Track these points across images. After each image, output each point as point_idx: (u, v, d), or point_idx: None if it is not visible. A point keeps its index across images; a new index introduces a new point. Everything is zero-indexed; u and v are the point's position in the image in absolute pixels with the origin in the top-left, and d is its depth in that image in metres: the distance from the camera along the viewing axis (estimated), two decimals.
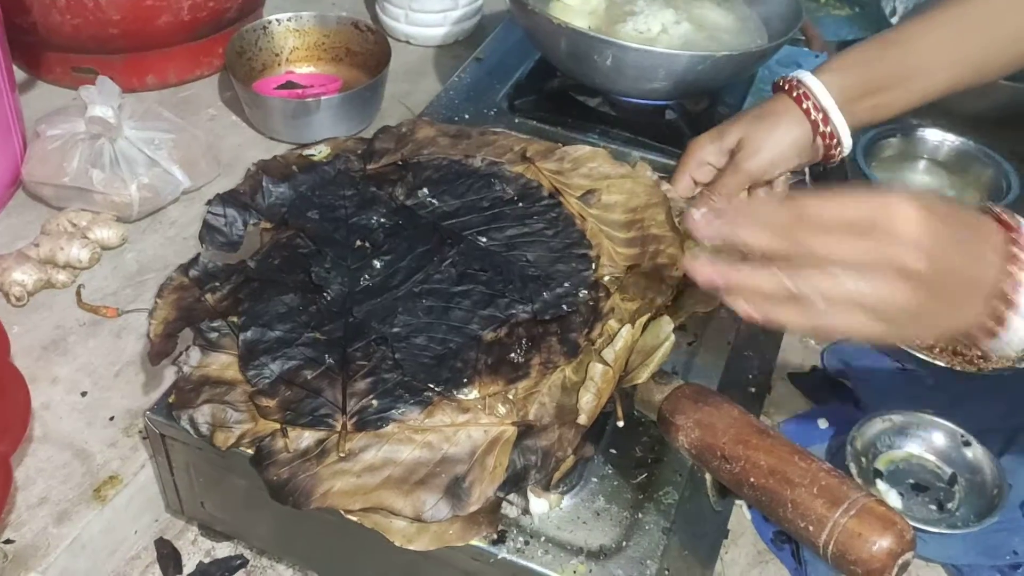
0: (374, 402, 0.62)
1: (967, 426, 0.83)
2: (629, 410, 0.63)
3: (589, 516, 0.63)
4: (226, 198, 0.75)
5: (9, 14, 0.99)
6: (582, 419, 0.60)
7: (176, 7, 1.07)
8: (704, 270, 0.50)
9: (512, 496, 0.61)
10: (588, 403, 0.60)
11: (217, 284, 0.70)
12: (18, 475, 0.72)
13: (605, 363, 0.61)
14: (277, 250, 0.72)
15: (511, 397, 0.62)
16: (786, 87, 0.78)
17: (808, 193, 0.50)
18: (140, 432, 0.76)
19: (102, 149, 0.93)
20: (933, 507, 0.80)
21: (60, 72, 1.13)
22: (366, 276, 0.69)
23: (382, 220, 0.74)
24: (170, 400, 0.65)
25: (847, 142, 0.79)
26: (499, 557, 0.61)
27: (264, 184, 0.76)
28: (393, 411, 0.61)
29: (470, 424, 0.61)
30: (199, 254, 0.73)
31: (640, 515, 0.63)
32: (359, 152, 0.82)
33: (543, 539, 0.61)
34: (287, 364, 0.64)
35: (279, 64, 1.17)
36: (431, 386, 0.62)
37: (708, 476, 0.59)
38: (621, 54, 0.88)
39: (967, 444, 0.82)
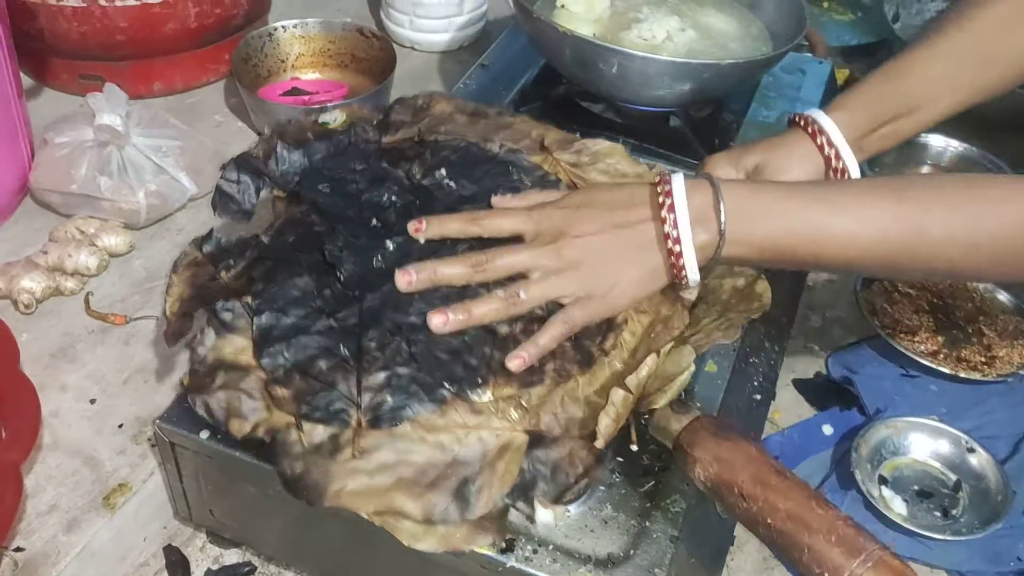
0: (388, 398, 0.61)
1: (972, 432, 0.84)
2: (642, 432, 0.63)
3: (597, 524, 0.63)
4: (240, 163, 0.74)
5: (16, 21, 0.99)
6: (599, 443, 0.60)
7: (183, 14, 1.08)
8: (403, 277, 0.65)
9: (519, 503, 0.61)
10: (607, 427, 0.60)
11: (231, 261, 0.69)
12: (28, 483, 0.73)
13: (627, 390, 0.62)
14: (290, 227, 0.71)
15: (524, 403, 0.62)
16: (800, 123, 0.80)
17: None
18: (149, 440, 0.76)
19: (110, 156, 0.93)
20: (938, 513, 0.80)
21: (67, 79, 1.13)
22: (379, 257, 0.68)
23: (395, 199, 0.72)
24: (183, 383, 0.65)
25: (856, 176, 0.80)
26: (508, 566, 0.61)
27: (278, 150, 0.75)
28: (407, 409, 0.61)
29: (482, 427, 0.60)
30: (212, 229, 0.72)
31: (648, 523, 0.64)
32: (375, 122, 0.81)
33: (551, 547, 0.62)
34: (301, 353, 0.63)
35: (285, 71, 1.18)
36: (446, 384, 0.62)
37: None
38: (626, 62, 0.88)
39: (972, 451, 0.83)
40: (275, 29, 1.16)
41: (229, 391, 0.62)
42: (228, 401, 0.62)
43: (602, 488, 0.65)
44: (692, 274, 0.65)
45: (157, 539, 0.77)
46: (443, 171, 0.75)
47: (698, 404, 0.63)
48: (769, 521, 0.51)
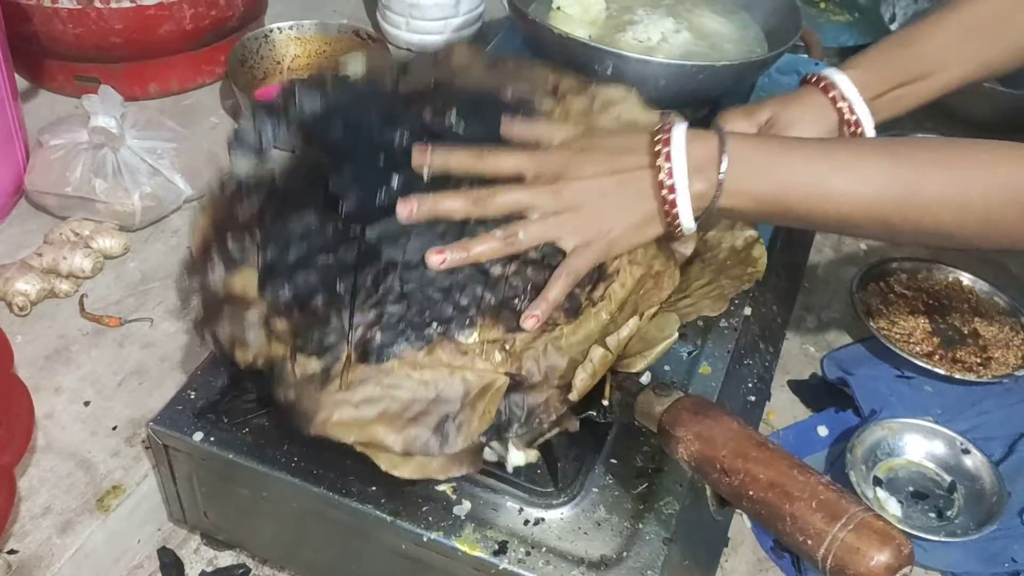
0: (378, 335, 0.62)
1: (967, 434, 0.84)
2: (627, 420, 0.63)
3: (590, 526, 0.63)
4: (258, 107, 0.75)
5: (11, 23, 0.99)
6: (573, 395, 0.61)
7: (178, 16, 1.08)
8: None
9: (493, 443, 0.63)
10: (582, 382, 0.61)
11: (248, 199, 0.70)
12: (21, 485, 0.73)
13: (607, 348, 0.62)
14: (303, 167, 0.71)
15: (508, 348, 0.63)
16: (813, 80, 0.81)
17: None
18: (143, 442, 0.76)
19: (105, 158, 0.93)
20: (932, 515, 0.80)
21: (62, 80, 1.13)
22: (383, 193, 0.67)
23: (405, 140, 0.72)
24: (197, 317, 0.67)
25: (870, 132, 0.81)
26: (501, 567, 0.61)
27: (297, 95, 0.75)
28: (395, 346, 0.62)
29: (466, 368, 0.61)
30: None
31: (641, 525, 0.64)
32: (394, 74, 0.81)
33: (544, 549, 0.62)
34: (301, 288, 0.64)
35: (281, 72, 1.18)
36: (434, 325, 0.63)
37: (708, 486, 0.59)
38: (621, 64, 0.88)
39: (966, 452, 0.83)
40: (271, 31, 1.16)
41: (234, 322, 0.64)
42: (232, 332, 0.64)
43: (595, 490, 0.65)
44: (687, 222, 0.65)
45: (151, 541, 0.77)
46: (454, 112, 0.74)
47: (673, 382, 0.63)
48: (751, 493, 0.51)
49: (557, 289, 0.63)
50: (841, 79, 0.79)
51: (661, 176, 0.63)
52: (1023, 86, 1.26)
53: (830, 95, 0.79)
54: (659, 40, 0.99)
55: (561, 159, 0.66)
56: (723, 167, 0.63)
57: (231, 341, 0.64)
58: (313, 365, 0.62)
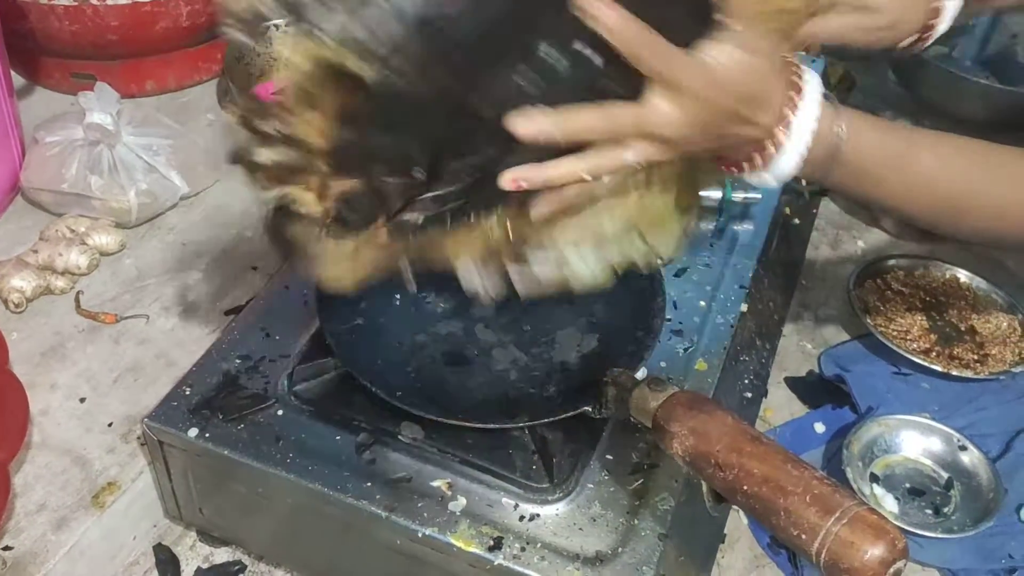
0: (420, 220, 0.57)
1: (963, 430, 0.83)
2: (622, 415, 0.63)
3: (585, 522, 0.63)
4: None
5: (7, 20, 0.99)
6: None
7: (174, 13, 1.07)
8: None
9: None
10: None
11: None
12: (17, 481, 0.73)
13: None
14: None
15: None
16: None
17: None
18: (138, 438, 0.76)
19: (100, 155, 0.93)
20: (929, 511, 0.80)
21: (59, 78, 1.13)
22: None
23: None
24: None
25: (943, 26, 0.80)
26: (495, 563, 0.61)
27: None
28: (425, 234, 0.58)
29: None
30: None
31: (636, 521, 0.63)
32: None
33: (539, 545, 0.62)
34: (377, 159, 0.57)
35: (278, 69, 1.17)
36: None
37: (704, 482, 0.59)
38: None
39: (963, 448, 0.82)
40: (268, 27, 1.15)
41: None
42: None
43: (590, 486, 0.65)
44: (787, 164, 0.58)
45: (147, 538, 0.77)
46: None
47: (669, 378, 0.62)
48: (746, 488, 0.51)
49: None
50: None
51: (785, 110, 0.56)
52: (1018, 83, 1.26)
53: None
54: None
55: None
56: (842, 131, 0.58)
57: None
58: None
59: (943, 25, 0.80)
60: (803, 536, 0.48)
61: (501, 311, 0.75)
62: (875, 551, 0.46)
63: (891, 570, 0.46)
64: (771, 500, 0.50)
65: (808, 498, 0.48)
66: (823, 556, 0.47)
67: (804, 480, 0.49)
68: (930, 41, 0.81)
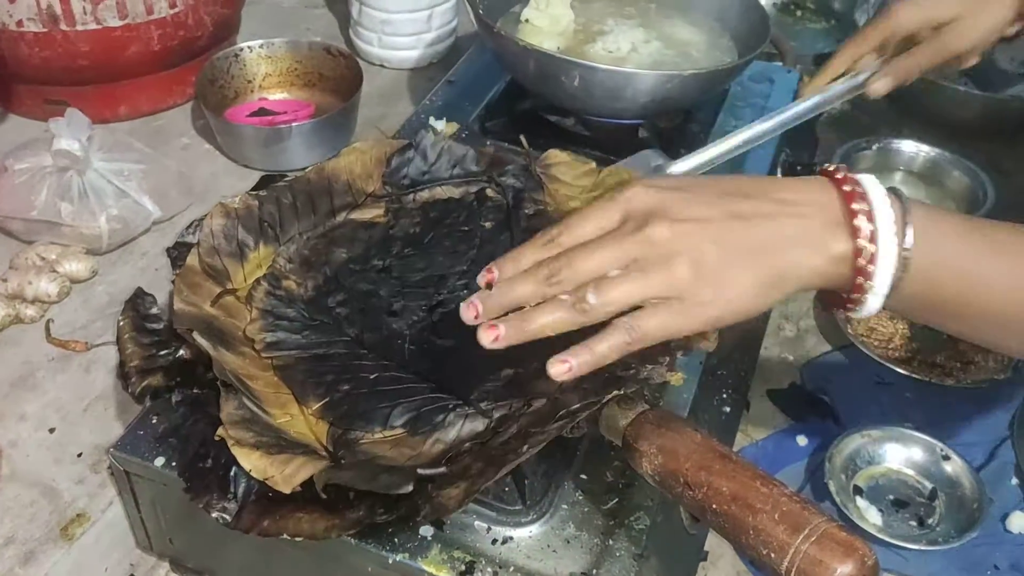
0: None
1: (948, 440, 0.82)
2: (594, 434, 0.62)
3: (559, 544, 0.62)
4: None
5: None
6: None
7: (145, 37, 1.07)
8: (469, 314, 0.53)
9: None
10: None
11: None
12: None
13: None
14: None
15: None
16: None
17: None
18: (108, 468, 0.75)
19: (70, 182, 0.92)
20: (914, 523, 0.79)
21: (31, 104, 1.13)
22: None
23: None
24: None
25: None
26: None
27: None
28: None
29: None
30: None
31: (611, 541, 0.62)
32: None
33: (512, 569, 0.61)
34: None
35: (252, 91, 1.17)
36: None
37: None
38: (588, 75, 0.87)
39: (947, 458, 0.82)
40: (241, 50, 1.15)
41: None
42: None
43: (564, 507, 0.64)
44: (877, 297, 0.51)
45: (119, 569, 0.76)
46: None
47: (645, 395, 0.61)
48: (715, 506, 0.49)
49: (606, 344, 0.50)
50: None
51: (860, 241, 0.50)
52: (999, 89, 1.26)
53: None
54: (629, 50, 0.99)
55: (657, 198, 0.52)
56: (908, 238, 0.50)
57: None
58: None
59: None
60: (772, 555, 0.47)
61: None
62: (844, 569, 0.44)
63: None
64: (740, 518, 0.48)
65: (777, 515, 0.47)
66: (793, 574, 0.46)
67: (773, 497, 0.48)
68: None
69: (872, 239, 0.49)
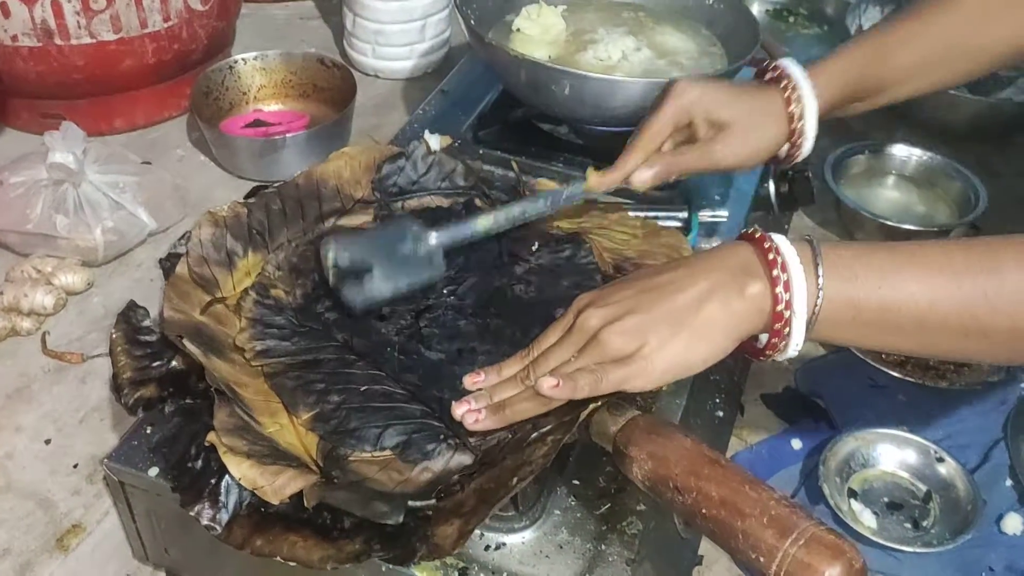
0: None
1: (940, 442, 0.83)
2: (586, 440, 0.62)
3: (552, 550, 0.62)
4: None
5: None
6: None
7: (140, 50, 1.07)
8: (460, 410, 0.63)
9: None
10: None
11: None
12: None
13: None
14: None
15: None
16: (781, 83, 0.77)
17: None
18: (104, 479, 0.75)
19: (65, 194, 0.93)
20: (908, 525, 0.79)
21: (27, 119, 1.13)
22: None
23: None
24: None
25: (807, 152, 0.79)
26: None
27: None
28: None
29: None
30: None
31: (603, 547, 0.63)
32: None
33: (505, 575, 0.61)
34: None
35: (247, 103, 1.18)
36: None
37: None
38: (578, 83, 0.88)
39: (941, 460, 0.82)
40: (235, 62, 1.16)
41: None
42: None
43: (557, 512, 0.64)
44: (796, 342, 0.58)
45: None
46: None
47: (637, 402, 0.61)
48: (704, 511, 0.50)
49: (550, 387, 0.59)
50: (808, 95, 0.76)
51: (777, 289, 0.56)
52: (990, 93, 1.26)
53: (791, 109, 0.76)
54: (619, 59, 0.99)
55: (589, 299, 0.63)
56: (820, 273, 0.56)
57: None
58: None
59: (807, 144, 0.79)
60: (761, 559, 0.47)
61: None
62: (832, 572, 0.45)
63: None
64: (729, 523, 0.49)
65: (765, 520, 0.47)
66: None
67: (761, 502, 0.48)
68: (800, 156, 0.80)
69: (784, 268, 0.56)
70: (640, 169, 0.77)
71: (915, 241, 0.62)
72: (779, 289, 0.56)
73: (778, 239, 0.58)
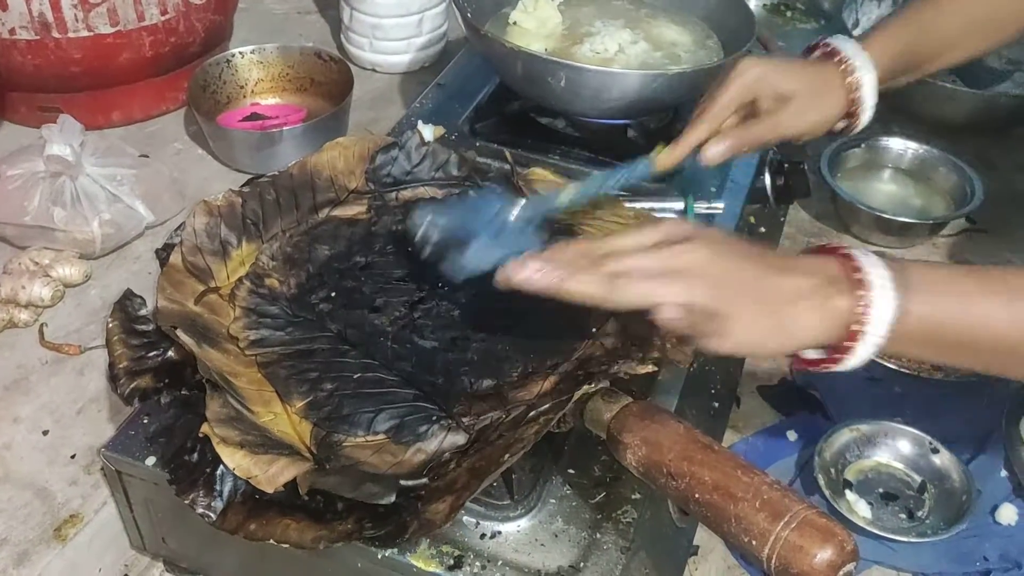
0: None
1: (935, 433, 0.83)
2: (581, 428, 0.62)
3: (547, 538, 0.63)
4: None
5: None
6: None
7: (137, 43, 1.08)
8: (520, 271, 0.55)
9: None
10: None
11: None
12: None
13: None
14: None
15: None
16: (835, 58, 0.77)
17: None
18: (101, 469, 0.75)
19: (63, 187, 0.93)
20: (903, 516, 0.79)
21: (25, 112, 1.13)
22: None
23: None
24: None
25: (865, 122, 0.80)
26: None
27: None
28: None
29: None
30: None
31: (598, 535, 0.63)
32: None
33: (500, 563, 0.61)
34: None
35: (244, 96, 1.18)
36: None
37: None
38: (574, 75, 0.88)
39: (936, 451, 0.82)
40: (233, 55, 1.16)
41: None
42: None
43: (552, 501, 0.65)
44: (856, 362, 0.56)
45: (113, 570, 0.76)
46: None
47: (632, 389, 0.62)
48: (697, 496, 0.50)
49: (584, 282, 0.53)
50: (867, 73, 0.76)
51: (857, 309, 0.54)
52: (986, 86, 1.27)
53: (848, 79, 0.76)
54: (616, 51, 0.99)
55: (694, 231, 0.56)
56: (898, 295, 0.54)
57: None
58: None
59: (866, 115, 0.79)
60: (754, 542, 0.47)
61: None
62: (824, 554, 0.45)
63: (841, 572, 0.45)
64: (722, 507, 0.49)
65: (758, 504, 0.48)
66: (774, 561, 0.46)
67: (754, 486, 0.49)
68: (859, 126, 0.80)
69: (867, 287, 0.53)
70: (710, 144, 0.76)
71: (983, 266, 0.59)
72: (859, 309, 0.54)
73: (861, 257, 0.55)
